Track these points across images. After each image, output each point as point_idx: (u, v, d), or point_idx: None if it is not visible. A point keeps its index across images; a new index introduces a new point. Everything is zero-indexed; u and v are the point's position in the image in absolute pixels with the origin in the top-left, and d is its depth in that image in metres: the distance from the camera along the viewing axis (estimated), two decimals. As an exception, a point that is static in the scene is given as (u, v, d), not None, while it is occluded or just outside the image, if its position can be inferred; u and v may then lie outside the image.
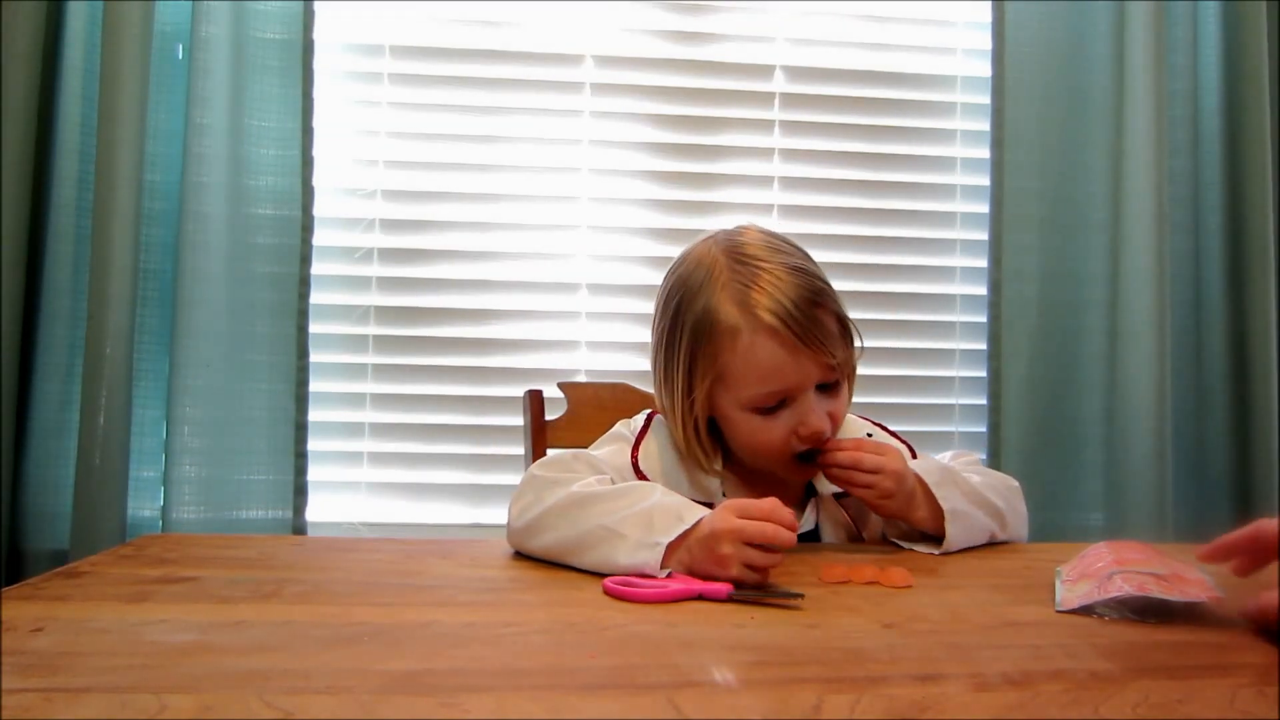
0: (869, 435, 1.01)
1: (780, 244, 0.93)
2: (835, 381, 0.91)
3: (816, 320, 0.87)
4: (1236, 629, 0.62)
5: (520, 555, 0.87)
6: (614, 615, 0.64)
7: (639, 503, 0.79)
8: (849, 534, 0.98)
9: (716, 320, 0.89)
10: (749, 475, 0.97)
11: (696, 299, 0.90)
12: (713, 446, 0.96)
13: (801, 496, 0.99)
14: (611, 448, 0.97)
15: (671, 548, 0.75)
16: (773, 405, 0.89)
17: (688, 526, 0.75)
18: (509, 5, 1.70)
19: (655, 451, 0.96)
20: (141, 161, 1.45)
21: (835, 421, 0.92)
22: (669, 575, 0.74)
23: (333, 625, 0.59)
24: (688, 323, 0.91)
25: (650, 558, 0.74)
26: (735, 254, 0.91)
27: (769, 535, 0.73)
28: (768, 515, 0.74)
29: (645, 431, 0.98)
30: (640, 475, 0.94)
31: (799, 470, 0.94)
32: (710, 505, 0.82)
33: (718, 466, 0.96)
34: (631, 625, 0.61)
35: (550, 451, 0.94)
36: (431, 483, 1.64)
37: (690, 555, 0.75)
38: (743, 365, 0.88)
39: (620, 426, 1.01)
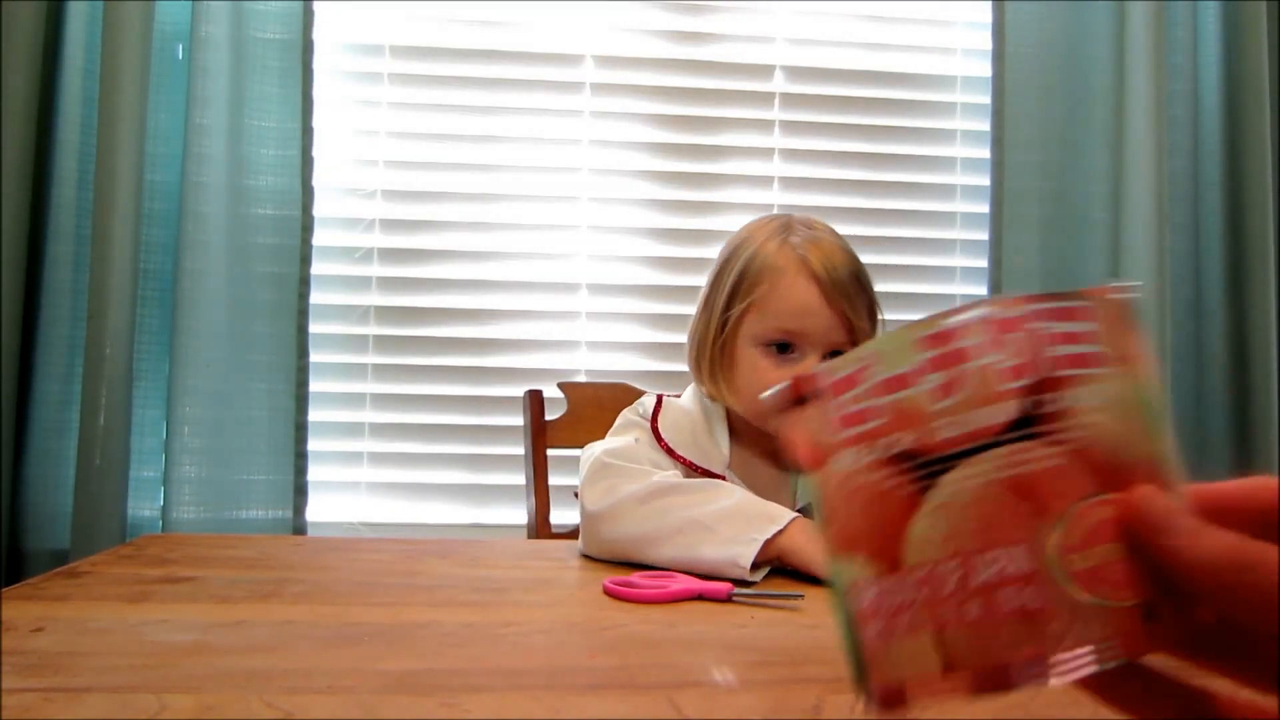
0: None
1: (841, 237, 1.01)
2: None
3: (854, 289, 0.94)
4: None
5: (519, 555, 0.87)
6: (614, 615, 0.64)
7: (725, 499, 0.82)
8: None
9: (769, 259, 0.95)
10: (752, 445, 0.99)
11: (757, 243, 0.97)
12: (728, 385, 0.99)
13: (797, 475, 1.00)
14: (633, 430, 0.99)
15: (766, 544, 0.76)
16: (782, 344, 0.94)
17: (780, 527, 0.77)
18: (509, 5, 1.70)
19: (670, 424, 0.99)
20: (141, 161, 1.46)
21: None
22: (763, 577, 0.76)
23: (333, 625, 0.59)
24: (741, 259, 0.97)
25: (745, 551, 0.75)
26: (805, 222, 1.00)
27: None
28: None
29: (659, 408, 1.00)
30: (662, 442, 0.96)
31: None
32: (719, 477, 0.90)
33: (728, 399, 0.98)
34: (631, 625, 0.61)
35: (607, 442, 0.96)
36: (431, 483, 1.64)
37: (781, 552, 0.77)
38: (778, 299, 0.94)
39: (628, 413, 1.03)
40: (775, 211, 1.72)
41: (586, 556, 0.87)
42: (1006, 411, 0.34)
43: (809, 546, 0.77)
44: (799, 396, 0.37)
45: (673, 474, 0.90)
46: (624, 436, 0.98)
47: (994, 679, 0.33)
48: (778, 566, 0.79)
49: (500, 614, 0.65)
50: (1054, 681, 0.33)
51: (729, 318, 0.96)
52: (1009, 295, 0.36)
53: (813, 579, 0.74)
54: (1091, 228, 1.68)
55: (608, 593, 0.70)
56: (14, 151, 1.42)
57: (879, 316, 0.98)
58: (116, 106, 1.42)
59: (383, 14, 1.67)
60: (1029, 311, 0.36)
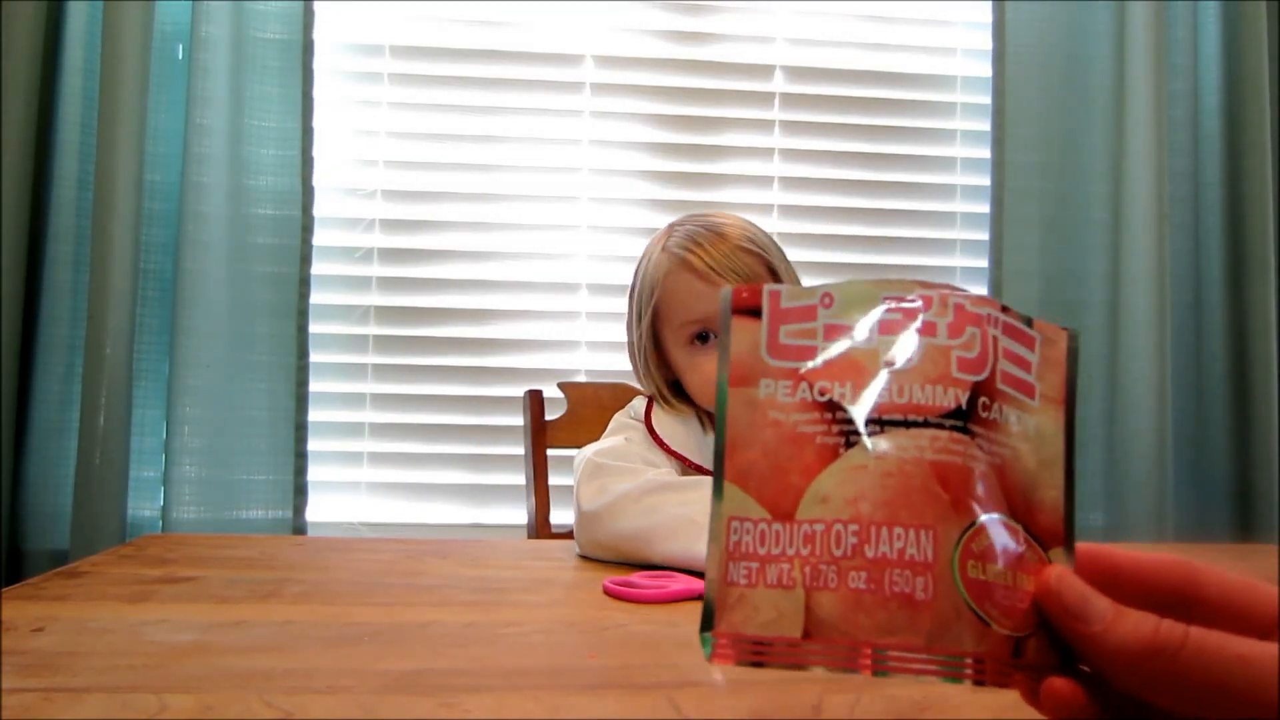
0: None
1: (732, 217, 1.04)
2: None
3: (740, 259, 0.96)
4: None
5: (519, 555, 0.87)
6: (614, 615, 0.64)
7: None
8: None
9: (653, 268, 0.99)
10: None
11: (645, 257, 1.02)
12: (665, 387, 1.02)
13: None
14: (627, 430, 1.01)
15: None
16: (701, 335, 0.96)
17: None
18: (509, 5, 1.70)
19: (666, 422, 1.00)
20: (141, 161, 1.46)
21: None
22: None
23: (333, 625, 0.59)
24: (638, 276, 1.03)
25: None
26: (688, 219, 1.03)
27: None
28: None
29: (651, 408, 1.02)
30: (657, 439, 0.98)
31: None
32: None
33: (671, 401, 1.01)
34: (631, 625, 0.61)
35: (600, 442, 0.97)
36: (431, 483, 1.64)
37: None
38: (669, 298, 0.97)
39: (620, 416, 1.04)
40: (774, 212, 1.73)
41: (585, 556, 0.87)
42: (952, 398, 0.33)
43: None
44: (746, 307, 0.36)
45: (665, 471, 0.90)
46: (615, 438, 0.99)
47: (850, 659, 0.31)
48: None
49: (500, 614, 0.65)
50: (902, 676, 0.31)
51: (642, 332, 1.00)
52: (976, 294, 0.35)
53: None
54: (1091, 228, 1.68)
55: (608, 593, 0.70)
56: (14, 151, 1.42)
57: (790, 271, 1.01)
58: (116, 106, 1.42)
59: (383, 14, 1.67)
60: (991, 316, 0.35)
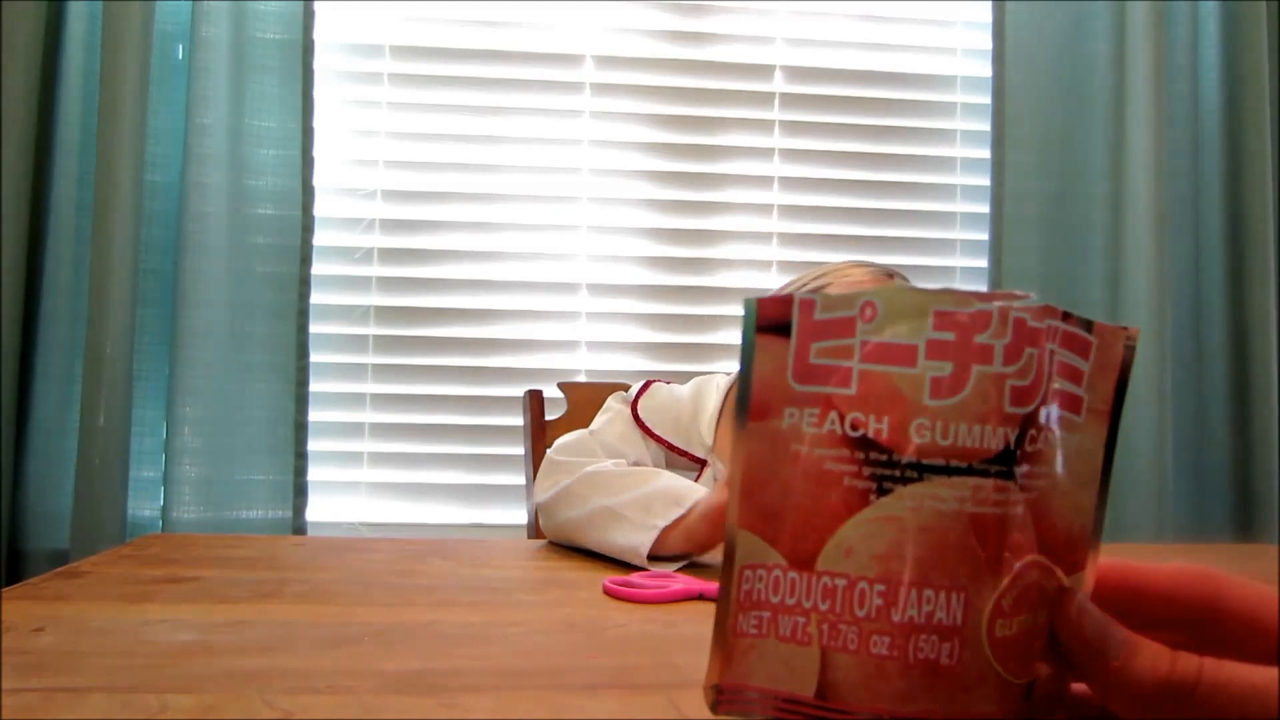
0: None
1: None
2: None
3: None
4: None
5: (519, 555, 0.87)
6: (614, 615, 0.64)
7: (641, 486, 0.83)
8: None
9: None
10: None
11: None
12: None
13: None
14: (611, 413, 1.04)
15: (667, 531, 0.78)
16: None
17: (684, 511, 0.79)
18: (509, 5, 1.70)
19: (655, 405, 1.02)
20: (141, 161, 1.45)
21: None
22: (672, 567, 0.76)
23: (333, 625, 0.59)
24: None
25: (644, 539, 0.77)
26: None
27: None
28: None
29: (644, 390, 1.04)
30: (641, 424, 1.00)
31: None
32: (703, 462, 0.94)
33: None
34: (631, 625, 0.61)
35: (567, 435, 0.99)
36: (431, 483, 1.64)
37: (688, 534, 0.78)
38: None
39: (613, 399, 1.07)
40: (774, 213, 1.73)
41: (585, 556, 0.87)
42: (1000, 439, 0.29)
43: (699, 525, 0.78)
44: (773, 323, 0.31)
45: (610, 463, 0.93)
46: (599, 419, 1.03)
47: None
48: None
49: (500, 614, 0.65)
50: None
51: None
52: (1037, 302, 0.30)
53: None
54: (1091, 228, 1.67)
55: (608, 593, 0.70)
56: (14, 151, 1.42)
57: None
58: (116, 106, 1.42)
59: (383, 14, 1.67)
60: (1052, 328, 0.31)
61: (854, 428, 0.29)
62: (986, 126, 1.70)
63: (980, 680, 0.29)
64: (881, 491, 0.29)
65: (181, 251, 1.47)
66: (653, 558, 0.78)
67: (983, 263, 1.71)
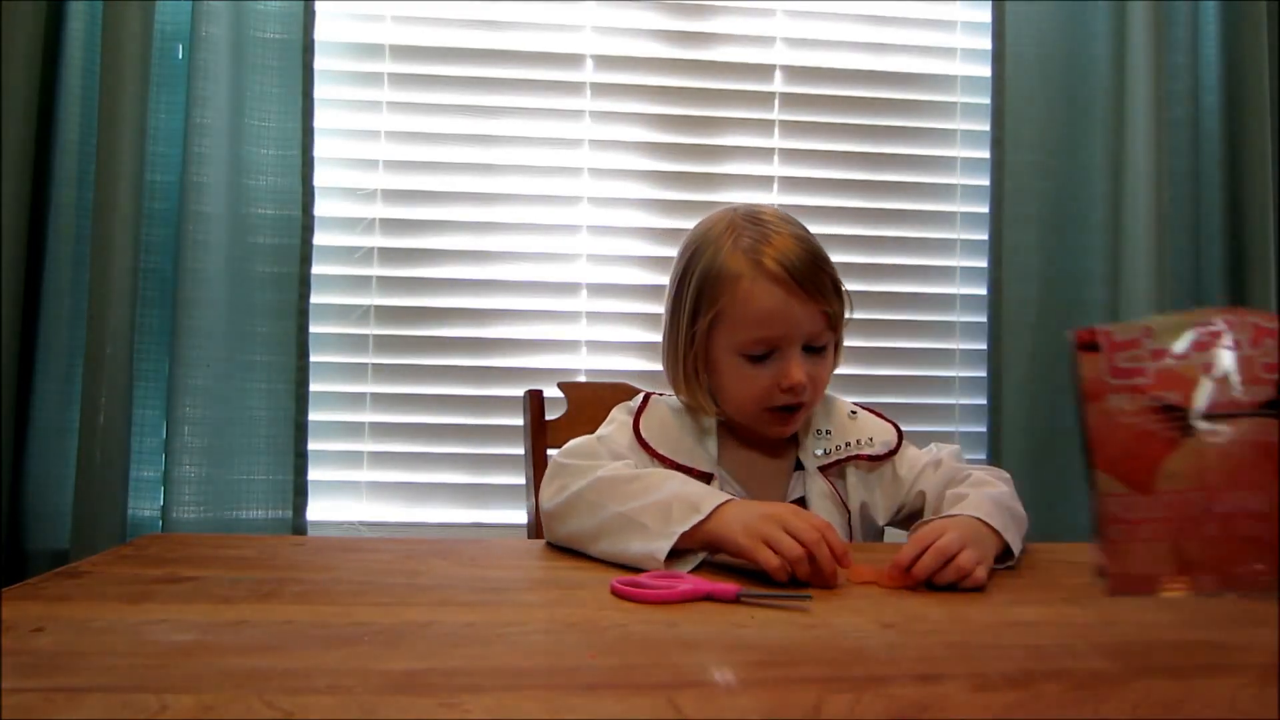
0: (852, 414, 1.05)
1: (792, 219, 1.01)
2: (823, 346, 0.96)
3: (815, 277, 0.94)
4: (1237, 628, 0.62)
5: (519, 555, 0.87)
6: (614, 615, 0.64)
7: (658, 492, 0.82)
8: (834, 504, 1.00)
9: (724, 266, 0.94)
10: (742, 441, 1.01)
11: (709, 249, 0.97)
12: (706, 395, 1.00)
13: (790, 468, 1.02)
14: (615, 425, 1.02)
15: (685, 538, 0.77)
16: (761, 354, 0.94)
17: (703, 517, 0.78)
18: (509, 5, 1.70)
19: (656, 423, 1.01)
20: (142, 161, 1.45)
21: (817, 385, 0.97)
22: (685, 568, 0.76)
23: (333, 625, 0.59)
24: (697, 269, 0.97)
25: (663, 545, 0.77)
26: (751, 217, 0.98)
27: (812, 537, 0.74)
28: (823, 529, 0.76)
29: (644, 407, 1.03)
30: (643, 444, 0.98)
31: (775, 422, 0.97)
32: (707, 475, 0.92)
33: (712, 409, 1.00)
34: (631, 625, 0.61)
35: (574, 440, 0.97)
36: (431, 483, 1.64)
37: (716, 529, 0.78)
38: (741, 309, 0.94)
39: (618, 411, 1.05)
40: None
41: (585, 557, 0.87)
42: (1265, 392, 0.48)
43: (731, 528, 0.77)
44: (1087, 343, 0.50)
45: (621, 464, 0.91)
46: (605, 428, 1.01)
47: (1227, 583, 0.47)
48: (715, 559, 0.80)
49: (500, 614, 0.65)
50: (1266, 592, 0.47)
51: (696, 332, 0.97)
52: (1263, 313, 0.49)
53: (805, 584, 0.74)
54: (1091, 227, 1.68)
55: (615, 593, 0.70)
56: (14, 151, 1.42)
57: (843, 288, 0.98)
58: (116, 106, 1.42)
59: (383, 14, 1.67)
60: (1275, 329, 0.49)
61: (1156, 400, 0.48)
62: (986, 126, 1.70)
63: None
64: (1186, 434, 0.47)
65: (181, 251, 1.47)
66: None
67: (983, 263, 1.71)
